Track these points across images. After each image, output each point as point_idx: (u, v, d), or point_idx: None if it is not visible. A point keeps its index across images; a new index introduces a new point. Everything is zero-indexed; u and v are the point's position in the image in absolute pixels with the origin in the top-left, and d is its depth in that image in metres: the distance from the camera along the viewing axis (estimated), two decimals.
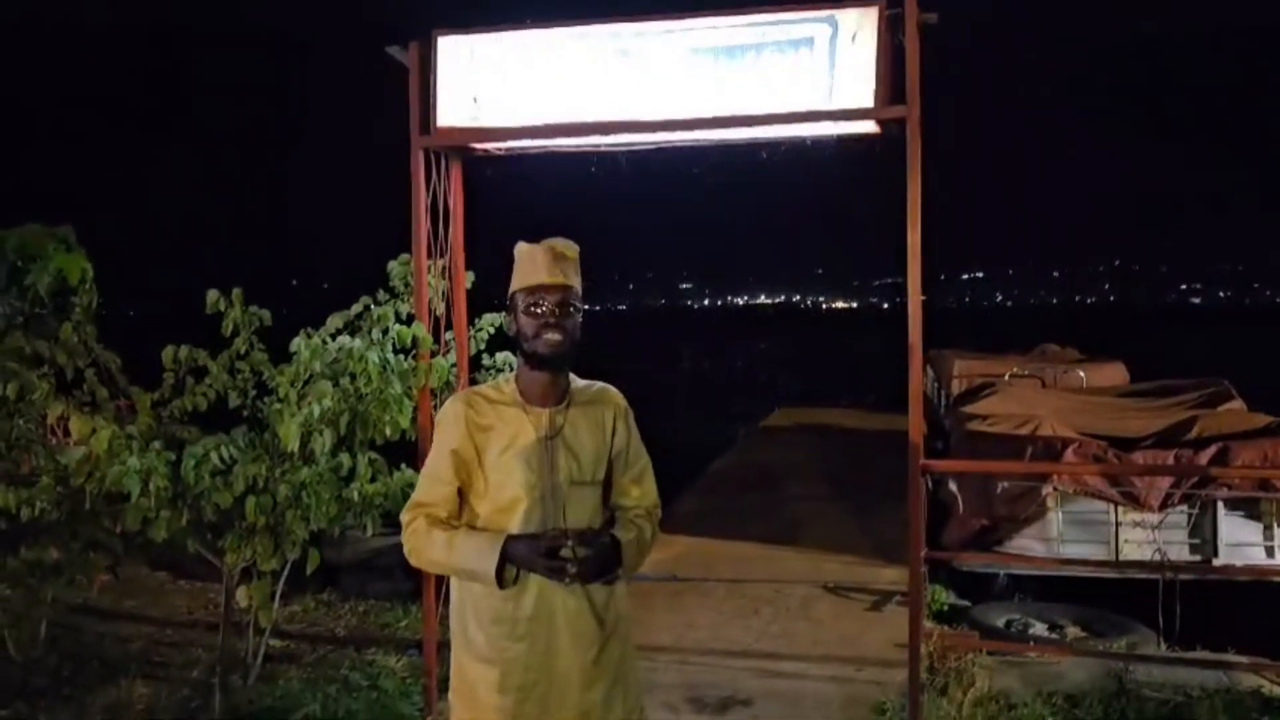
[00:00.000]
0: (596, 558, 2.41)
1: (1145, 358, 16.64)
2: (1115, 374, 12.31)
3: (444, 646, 5.37)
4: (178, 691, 5.12)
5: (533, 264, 2.55)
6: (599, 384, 2.69)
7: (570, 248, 2.58)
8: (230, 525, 4.40)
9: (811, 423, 16.91)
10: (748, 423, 17.87)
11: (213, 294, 4.47)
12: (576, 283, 2.57)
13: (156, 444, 4.22)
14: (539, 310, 2.51)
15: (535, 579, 2.46)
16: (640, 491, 2.66)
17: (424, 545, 2.50)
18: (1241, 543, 7.22)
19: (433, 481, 2.55)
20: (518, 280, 2.57)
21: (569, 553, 2.37)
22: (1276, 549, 7.17)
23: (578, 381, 2.65)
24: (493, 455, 2.51)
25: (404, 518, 2.56)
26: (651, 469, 2.71)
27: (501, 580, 2.42)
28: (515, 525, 2.48)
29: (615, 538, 2.49)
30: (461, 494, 2.56)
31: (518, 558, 2.42)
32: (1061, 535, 7.44)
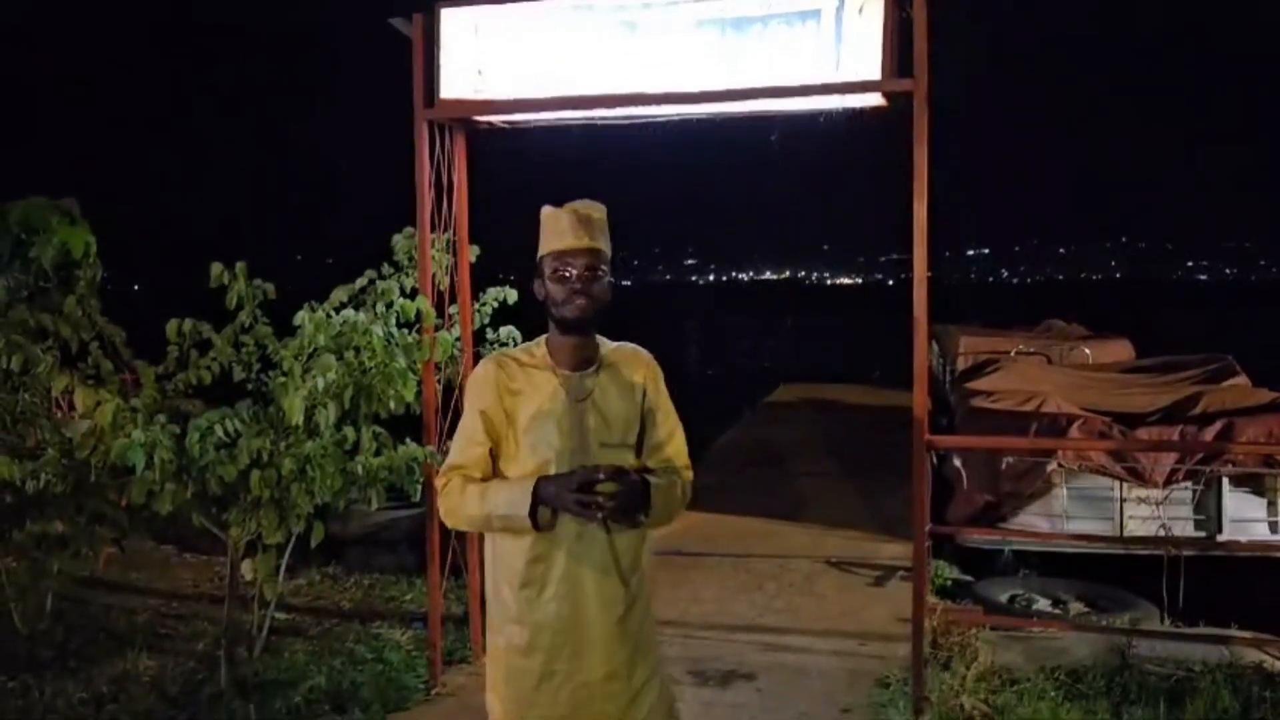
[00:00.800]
0: (626, 493, 2.39)
1: (1151, 334, 16.63)
2: (1121, 350, 12.28)
3: (448, 620, 5.44)
4: (183, 664, 5.15)
5: (558, 227, 2.53)
6: (630, 346, 2.68)
7: (597, 209, 2.56)
8: (235, 499, 4.41)
9: (816, 399, 16.90)
10: (753, 399, 17.87)
11: (216, 267, 4.45)
12: (605, 245, 2.55)
13: (161, 417, 4.22)
14: (567, 275, 2.50)
15: (564, 543, 2.48)
16: (671, 450, 2.64)
17: (459, 503, 2.50)
18: (1246, 519, 7.22)
19: (465, 443, 2.55)
20: (545, 245, 2.55)
21: (602, 488, 2.35)
22: None
23: (607, 344, 2.64)
24: (523, 418, 2.52)
25: (438, 482, 2.57)
26: (682, 432, 2.69)
27: (537, 522, 2.42)
28: None
29: (645, 479, 2.48)
30: (494, 457, 2.56)
31: (549, 496, 2.40)
32: (1066, 511, 7.44)
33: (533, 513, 2.41)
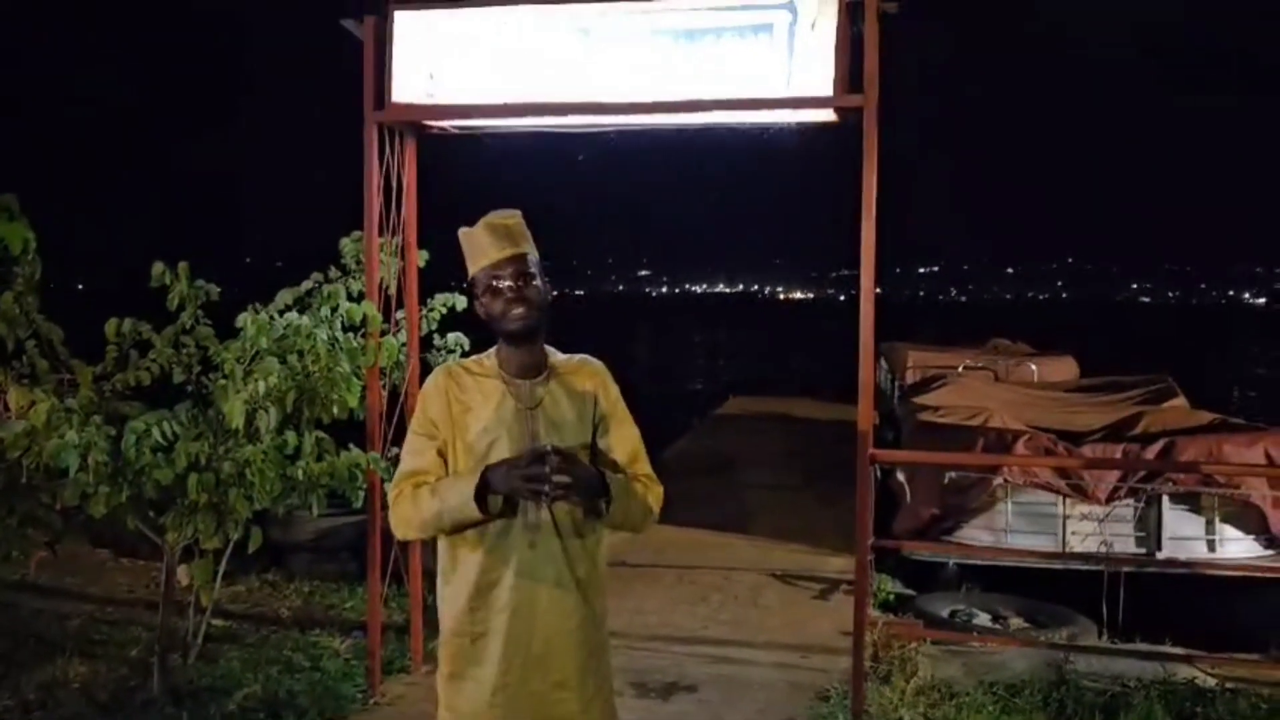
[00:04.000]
0: (578, 474, 2.32)
1: (1095, 353, 16.91)
2: (1066, 368, 12.48)
3: (389, 629, 5.37)
4: (115, 670, 5.04)
5: (478, 244, 2.52)
6: (580, 356, 2.66)
7: (512, 216, 2.54)
8: (172, 502, 4.32)
9: (766, 411, 16.98)
10: (703, 411, 17.90)
11: (158, 267, 4.37)
12: (529, 248, 2.53)
13: (97, 418, 4.13)
14: (499, 287, 2.48)
15: (516, 553, 2.44)
16: (627, 458, 2.58)
17: (411, 507, 2.45)
18: (1184, 536, 7.35)
19: (416, 453, 2.51)
20: (472, 264, 2.54)
21: (549, 464, 2.26)
22: (1217, 543, 7.29)
23: (558, 355, 2.62)
24: (474, 427, 2.49)
25: (391, 494, 2.52)
26: (642, 444, 2.63)
27: (485, 510, 2.36)
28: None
29: (599, 469, 2.44)
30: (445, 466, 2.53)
31: (496, 481, 2.35)
32: (1010, 526, 7.52)
33: (481, 500, 2.35)
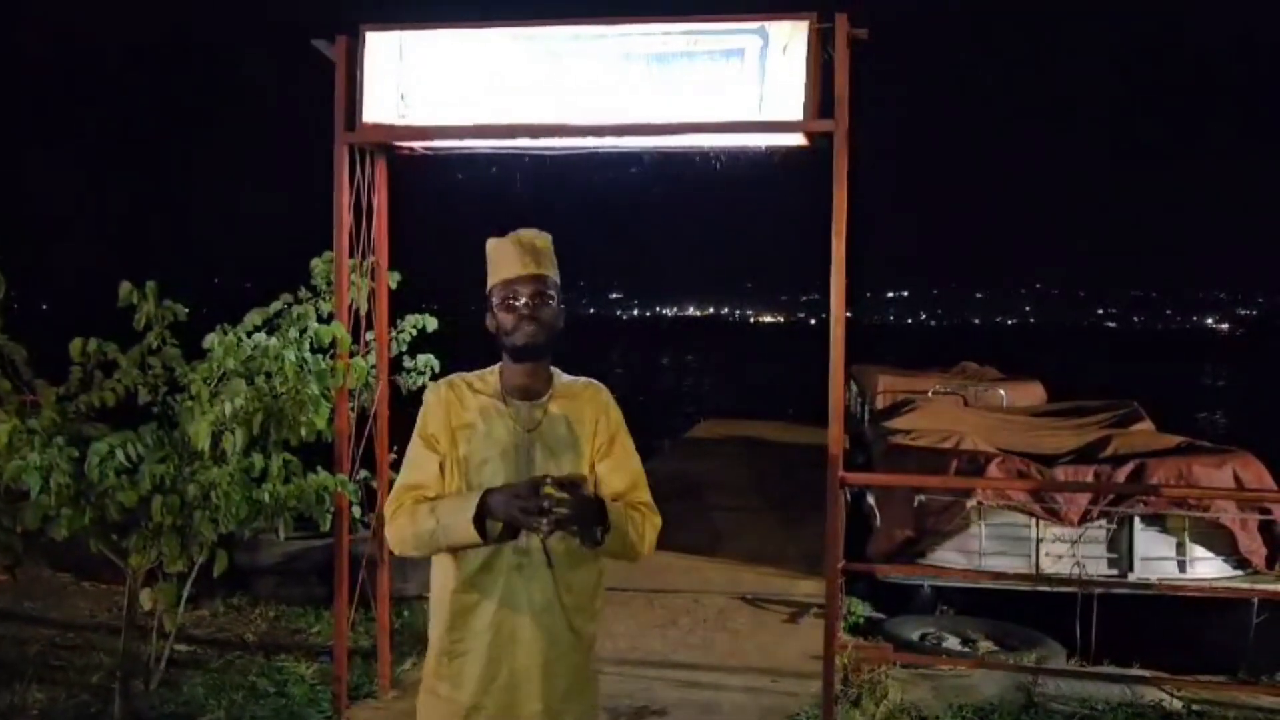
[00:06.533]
0: (575, 504, 2.26)
1: (1062, 378, 17.05)
2: (1034, 393, 12.55)
3: (355, 653, 5.31)
4: (76, 696, 4.96)
5: (504, 258, 2.51)
6: (584, 379, 2.64)
7: (541, 237, 2.55)
8: (136, 525, 4.26)
9: (736, 435, 16.98)
10: (672, 434, 17.88)
11: (125, 286, 4.32)
12: (552, 271, 2.54)
13: (60, 439, 4.06)
14: (515, 303, 2.48)
15: (502, 575, 2.42)
16: (626, 486, 2.57)
17: (409, 523, 2.42)
18: (1155, 557, 7.40)
19: (416, 467, 2.50)
20: (492, 275, 2.54)
21: (547, 490, 2.23)
22: (1188, 564, 7.35)
23: (563, 377, 2.61)
24: (470, 445, 2.48)
25: (388, 506, 2.49)
26: (642, 472, 2.63)
27: (483, 534, 2.33)
28: None
29: (599, 497, 2.41)
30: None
31: (495, 506, 2.31)
32: (983, 549, 7.54)
33: (480, 524, 2.32)
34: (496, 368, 2.58)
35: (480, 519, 2.33)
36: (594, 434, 2.55)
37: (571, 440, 2.52)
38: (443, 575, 2.50)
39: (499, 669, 2.44)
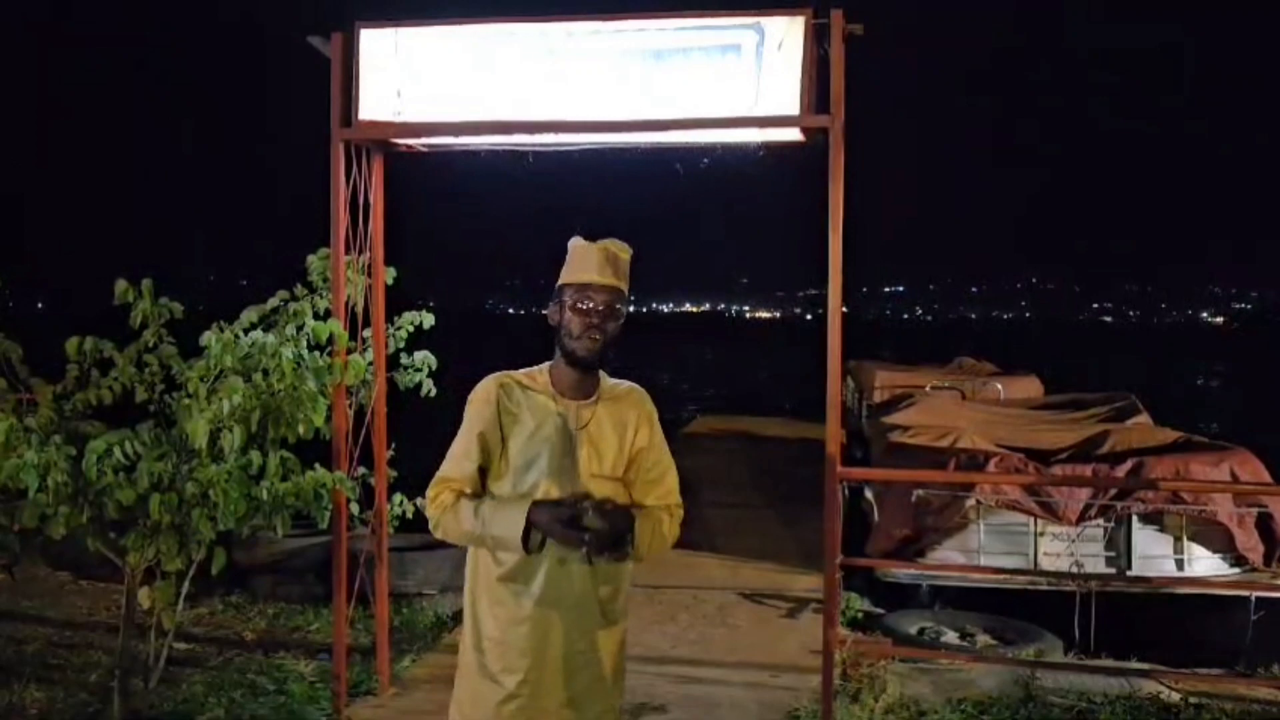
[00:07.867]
0: (611, 532, 2.48)
1: (1058, 372, 17.07)
2: (1031, 387, 12.56)
3: (355, 651, 5.31)
4: (74, 695, 4.96)
5: (586, 261, 2.63)
6: (627, 384, 2.78)
7: (624, 249, 2.66)
8: (133, 523, 4.26)
9: (733, 430, 16.99)
10: (671, 430, 17.86)
11: (121, 284, 4.31)
12: (625, 286, 2.65)
13: (57, 438, 4.06)
14: (584, 308, 2.59)
15: (544, 568, 2.55)
16: (661, 491, 2.74)
17: (451, 517, 2.58)
18: (1153, 555, 7.41)
19: (459, 460, 2.63)
20: (568, 274, 2.64)
21: (588, 522, 2.45)
22: (1185, 562, 7.36)
23: (608, 380, 2.74)
24: (518, 440, 2.60)
25: (430, 492, 2.64)
26: (674, 470, 2.80)
27: (527, 545, 2.49)
28: None
29: (631, 514, 2.58)
30: (483, 474, 2.64)
31: (540, 523, 2.48)
32: (983, 547, 7.55)
33: (525, 536, 2.47)
34: (546, 366, 2.70)
35: (525, 531, 2.48)
36: (635, 435, 2.70)
37: (615, 440, 2.66)
38: (485, 563, 2.62)
39: (535, 659, 2.56)
